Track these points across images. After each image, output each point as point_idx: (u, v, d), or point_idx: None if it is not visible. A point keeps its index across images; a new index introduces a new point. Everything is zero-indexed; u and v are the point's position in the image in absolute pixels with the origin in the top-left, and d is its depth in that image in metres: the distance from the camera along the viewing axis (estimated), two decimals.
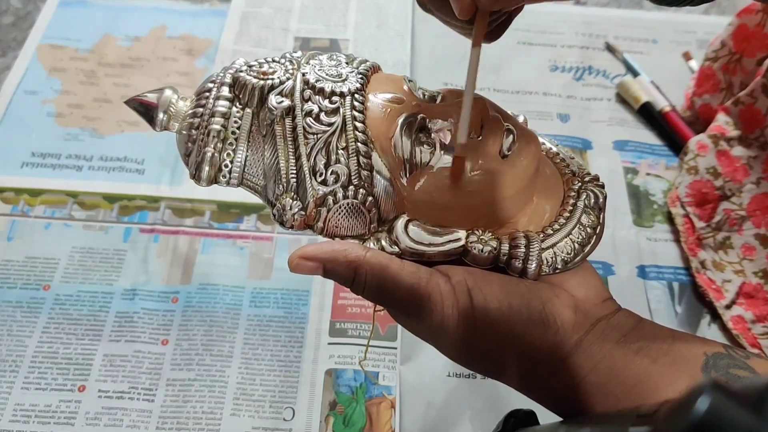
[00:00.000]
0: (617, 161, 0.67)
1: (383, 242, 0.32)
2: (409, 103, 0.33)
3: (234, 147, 0.32)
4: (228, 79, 0.33)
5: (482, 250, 0.31)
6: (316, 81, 0.32)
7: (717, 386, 0.17)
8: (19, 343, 0.52)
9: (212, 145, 0.32)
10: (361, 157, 0.31)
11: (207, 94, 0.33)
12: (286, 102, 0.31)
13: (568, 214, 0.34)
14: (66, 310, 0.54)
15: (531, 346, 0.30)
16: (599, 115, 0.70)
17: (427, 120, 0.32)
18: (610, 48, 0.76)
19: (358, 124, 0.31)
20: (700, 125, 0.65)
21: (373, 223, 0.32)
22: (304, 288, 0.56)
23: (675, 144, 0.67)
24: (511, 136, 0.33)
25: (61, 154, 0.64)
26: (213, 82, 0.33)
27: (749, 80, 0.59)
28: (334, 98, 0.32)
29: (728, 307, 0.55)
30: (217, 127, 0.32)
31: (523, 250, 0.32)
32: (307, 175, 0.31)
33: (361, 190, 0.31)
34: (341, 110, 0.32)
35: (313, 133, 0.31)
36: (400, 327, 0.53)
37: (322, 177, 0.31)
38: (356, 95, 0.32)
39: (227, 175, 0.32)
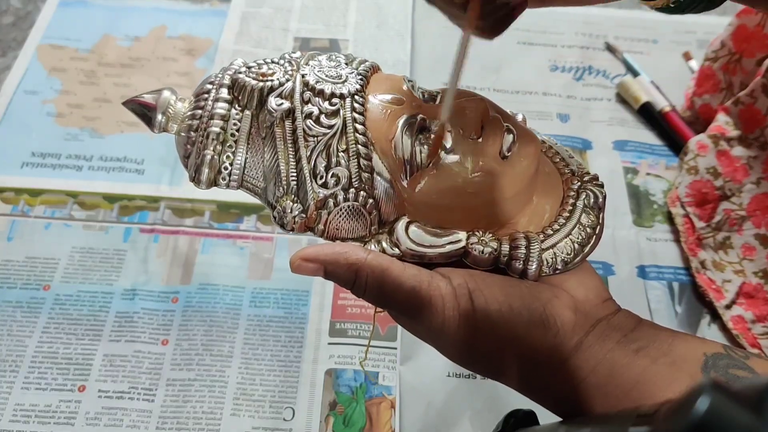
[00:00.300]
0: (617, 161, 0.67)
1: (384, 244, 0.32)
2: (409, 104, 0.33)
3: (233, 149, 0.32)
4: (227, 81, 0.33)
5: (483, 252, 0.31)
6: (316, 82, 0.32)
7: (717, 386, 0.17)
8: (19, 343, 0.52)
9: (211, 148, 0.32)
10: (361, 160, 0.31)
11: (206, 95, 0.33)
12: (286, 104, 0.31)
13: (568, 214, 0.34)
14: (66, 310, 0.54)
15: (531, 348, 0.30)
16: (599, 115, 0.70)
17: (428, 121, 0.32)
18: (610, 48, 0.76)
19: (359, 126, 0.31)
20: (700, 125, 0.65)
21: (374, 225, 0.32)
22: (304, 288, 0.56)
23: (675, 144, 0.67)
24: (511, 136, 0.33)
25: (61, 154, 0.64)
26: (212, 83, 0.33)
27: (749, 80, 0.59)
28: (334, 100, 0.32)
29: (728, 307, 0.55)
30: (216, 129, 0.32)
31: (524, 251, 0.32)
32: (308, 178, 0.31)
33: (361, 192, 0.31)
34: (341, 112, 0.31)
35: (313, 136, 0.31)
36: (400, 327, 0.53)
37: (323, 179, 0.31)
38: (356, 96, 0.32)
39: (227, 178, 0.32)
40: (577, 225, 0.34)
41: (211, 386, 0.51)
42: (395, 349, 0.53)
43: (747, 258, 0.55)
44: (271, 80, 0.32)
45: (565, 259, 0.33)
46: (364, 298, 0.31)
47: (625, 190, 0.64)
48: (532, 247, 0.32)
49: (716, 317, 0.56)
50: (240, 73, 0.33)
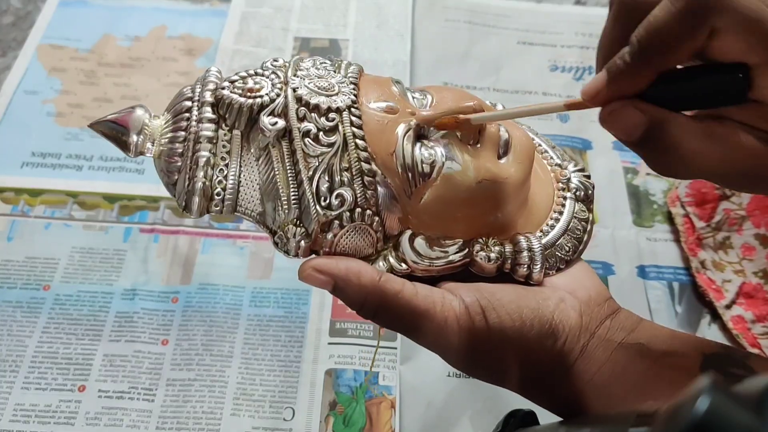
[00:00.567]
0: (617, 161, 0.66)
1: (392, 260, 0.31)
2: (404, 111, 0.31)
3: (225, 173, 0.30)
4: (209, 98, 0.30)
5: (488, 259, 0.31)
6: (309, 96, 0.30)
7: (717, 386, 0.17)
8: (19, 343, 0.52)
9: (202, 174, 0.30)
10: (365, 177, 0.30)
11: (186, 114, 0.30)
12: (281, 123, 0.29)
13: (561, 208, 0.34)
14: (66, 310, 0.54)
15: (540, 357, 0.30)
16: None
17: (424, 128, 0.32)
18: None
19: (359, 142, 0.30)
20: None
21: (380, 243, 0.31)
22: (304, 288, 0.56)
23: None
24: (506, 136, 0.33)
25: (61, 154, 0.64)
26: (190, 99, 0.31)
27: None
28: (331, 115, 0.30)
29: (728, 307, 0.55)
30: (206, 153, 0.30)
31: (526, 254, 0.32)
32: (311, 201, 0.29)
33: (367, 211, 0.30)
34: (340, 128, 0.30)
35: (314, 156, 0.29)
36: None
37: (327, 201, 0.30)
38: (352, 109, 0.30)
39: (220, 204, 0.30)
40: (572, 219, 0.34)
41: (211, 386, 0.51)
42: (395, 348, 0.53)
43: (747, 258, 0.55)
44: (260, 96, 0.30)
45: (565, 257, 0.33)
46: (373, 321, 0.30)
47: (625, 190, 0.64)
48: (533, 250, 0.32)
49: (716, 317, 0.56)
50: (223, 88, 0.30)
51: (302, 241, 0.30)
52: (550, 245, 0.33)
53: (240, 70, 0.32)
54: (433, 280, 0.32)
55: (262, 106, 0.30)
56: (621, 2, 0.27)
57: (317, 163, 0.29)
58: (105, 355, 0.52)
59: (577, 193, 0.35)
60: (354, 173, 0.30)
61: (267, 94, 0.30)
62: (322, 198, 0.30)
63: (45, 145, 0.64)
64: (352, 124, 0.30)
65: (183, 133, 0.30)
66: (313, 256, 0.31)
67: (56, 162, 0.63)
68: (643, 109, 0.27)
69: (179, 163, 0.30)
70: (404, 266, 0.31)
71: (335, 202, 0.30)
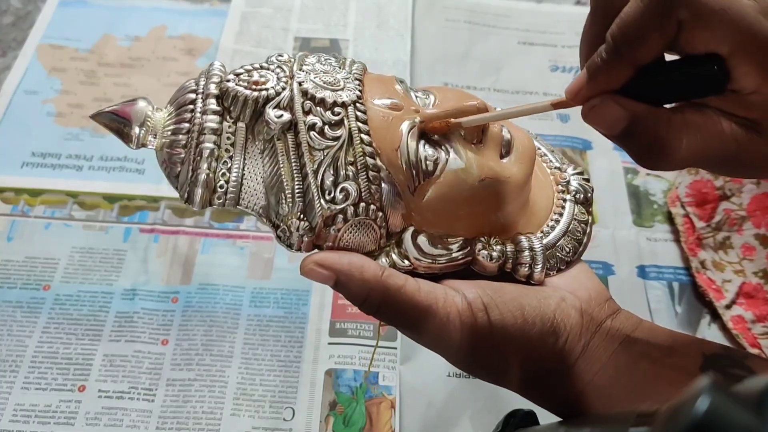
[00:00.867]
0: (617, 161, 0.67)
1: (394, 257, 0.31)
2: (408, 108, 0.32)
3: (228, 166, 0.30)
4: (213, 90, 0.30)
5: (489, 257, 0.31)
6: (315, 90, 0.30)
7: (717, 386, 0.17)
8: (19, 343, 0.52)
9: (205, 165, 0.29)
10: (370, 172, 0.30)
11: (191, 106, 0.30)
12: (286, 115, 0.29)
13: (561, 210, 0.35)
14: (66, 310, 0.54)
15: (541, 356, 0.30)
16: None
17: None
18: None
19: (365, 137, 0.30)
20: None
21: (383, 238, 0.31)
22: (304, 288, 0.56)
23: None
24: (508, 136, 0.33)
25: (61, 154, 0.64)
26: (194, 92, 0.31)
27: None
28: (337, 109, 0.30)
29: (728, 307, 0.55)
30: (210, 145, 0.29)
31: (528, 253, 0.32)
32: (315, 194, 0.29)
33: (371, 206, 0.30)
34: (346, 122, 0.30)
35: (319, 149, 0.29)
36: None
37: (331, 195, 0.29)
38: (358, 104, 0.30)
39: (222, 197, 0.30)
40: (572, 221, 0.34)
41: (211, 386, 0.51)
42: (395, 348, 0.53)
43: (747, 258, 0.55)
44: (266, 89, 0.30)
45: (566, 258, 0.33)
46: (375, 316, 0.30)
47: (625, 190, 0.64)
48: (535, 250, 0.32)
49: (716, 317, 0.56)
50: (228, 81, 0.30)
51: (305, 236, 0.30)
52: (551, 246, 0.33)
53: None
54: (435, 277, 0.32)
55: (268, 99, 0.30)
56: (596, 1, 0.28)
57: (322, 157, 0.29)
58: (105, 355, 0.52)
59: (577, 195, 0.35)
60: (359, 167, 0.30)
61: (273, 87, 0.30)
62: (327, 192, 0.29)
63: (45, 145, 0.64)
64: (357, 119, 0.30)
65: (187, 124, 0.30)
66: (316, 250, 0.31)
67: (56, 162, 0.63)
68: (623, 104, 0.27)
69: (182, 155, 0.30)
70: (407, 263, 0.31)
71: (340, 196, 0.29)
